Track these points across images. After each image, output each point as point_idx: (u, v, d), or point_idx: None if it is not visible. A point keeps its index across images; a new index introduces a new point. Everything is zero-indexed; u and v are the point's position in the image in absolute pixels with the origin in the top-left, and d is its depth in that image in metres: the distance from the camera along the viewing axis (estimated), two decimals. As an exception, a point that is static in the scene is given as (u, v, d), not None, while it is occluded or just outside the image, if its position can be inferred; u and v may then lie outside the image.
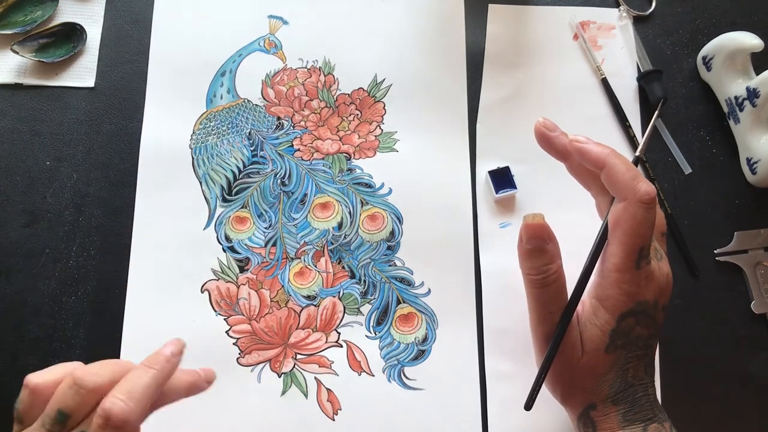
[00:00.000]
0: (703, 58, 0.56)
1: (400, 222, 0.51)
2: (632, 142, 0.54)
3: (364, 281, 0.50)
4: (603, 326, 0.39)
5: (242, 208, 0.51)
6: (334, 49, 0.55)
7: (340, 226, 0.51)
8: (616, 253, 0.39)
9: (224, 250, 0.50)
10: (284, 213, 0.51)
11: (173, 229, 0.50)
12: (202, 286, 0.49)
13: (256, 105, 0.53)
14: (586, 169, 0.41)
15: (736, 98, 0.53)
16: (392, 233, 0.51)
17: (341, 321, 0.49)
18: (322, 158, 0.52)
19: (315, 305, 0.49)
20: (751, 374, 0.50)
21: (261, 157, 0.52)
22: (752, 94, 0.51)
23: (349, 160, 0.53)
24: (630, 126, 0.54)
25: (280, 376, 0.47)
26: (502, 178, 0.52)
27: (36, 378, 0.36)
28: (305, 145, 0.53)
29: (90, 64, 0.53)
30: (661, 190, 0.53)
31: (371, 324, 0.49)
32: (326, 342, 0.48)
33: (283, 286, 0.49)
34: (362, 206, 0.51)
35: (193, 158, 0.52)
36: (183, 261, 0.49)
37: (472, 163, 0.53)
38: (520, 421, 0.47)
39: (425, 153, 0.53)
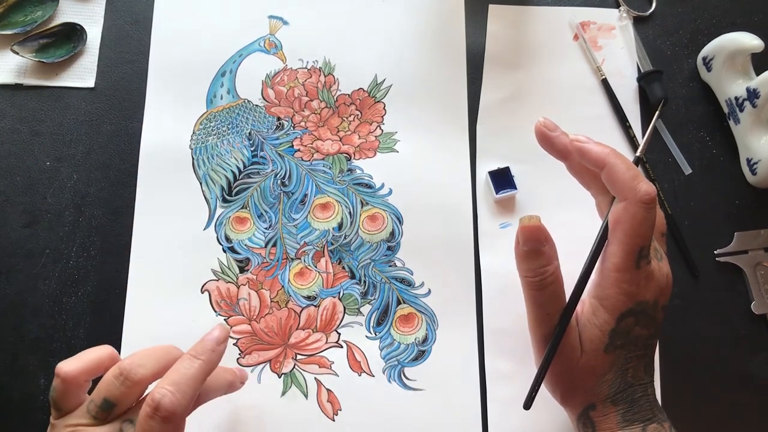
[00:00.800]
0: (704, 59, 0.56)
1: (400, 222, 0.51)
2: (632, 142, 0.54)
3: (364, 282, 0.50)
4: (602, 326, 0.39)
5: (242, 208, 0.51)
6: (334, 49, 0.55)
7: (340, 226, 0.51)
8: (616, 253, 0.39)
9: (224, 251, 0.50)
10: (284, 213, 0.51)
11: (173, 229, 0.50)
12: (203, 287, 0.49)
13: (257, 105, 0.53)
14: (587, 168, 0.41)
15: (737, 99, 0.53)
16: (392, 234, 0.51)
17: (341, 321, 0.49)
18: (323, 159, 0.52)
19: (315, 306, 0.49)
20: (751, 374, 0.50)
21: (261, 157, 0.52)
22: (752, 94, 0.51)
23: (350, 160, 0.53)
24: (630, 126, 0.54)
25: (280, 377, 0.47)
26: (502, 179, 0.52)
27: (67, 366, 0.37)
28: (305, 146, 0.53)
29: (90, 64, 0.53)
30: (661, 190, 0.53)
31: (371, 324, 0.49)
32: (326, 342, 0.48)
33: (283, 286, 0.49)
34: (362, 207, 0.52)
35: (193, 158, 0.52)
36: (183, 261, 0.49)
37: (472, 164, 0.53)
38: (520, 421, 0.47)
39: (425, 153, 0.53)
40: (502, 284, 0.50)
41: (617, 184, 0.39)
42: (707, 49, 0.55)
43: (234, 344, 0.48)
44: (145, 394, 0.38)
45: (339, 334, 0.49)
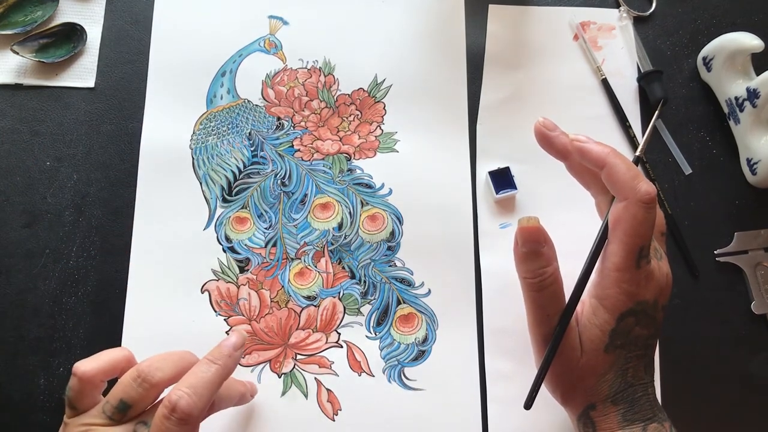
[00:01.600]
0: (704, 59, 0.56)
1: (400, 222, 0.51)
2: (632, 142, 0.54)
3: (364, 282, 0.50)
4: (602, 326, 0.39)
5: (242, 208, 0.51)
6: (334, 49, 0.55)
7: (340, 226, 0.51)
8: (616, 253, 0.39)
9: (224, 251, 0.50)
10: (284, 213, 0.51)
11: (173, 229, 0.50)
12: (202, 287, 0.49)
13: (257, 105, 0.53)
14: (586, 168, 0.41)
15: (737, 99, 0.53)
16: (392, 234, 0.51)
17: (341, 321, 0.49)
18: (323, 159, 0.52)
19: (315, 306, 0.49)
20: (751, 374, 0.50)
21: (261, 157, 0.52)
22: (752, 94, 0.51)
23: (350, 160, 0.53)
24: (630, 126, 0.54)
25: (280, 377, 0.47)
26: (502, 179, 0.52)
27: (84, 366, 0.37)
28: (305, 146, 0.53)
29: (90, 64, 0.53)
30: (661, 190, 0.53)
31: (371, 324, 0.49)
32: (326, 342, 0.48)
33: (283, 286, 0.49)
34: (362, 207, 0.52)
35: (193, 158, 0.52)
36: (183, 261, 0.49)
37: (472, 164, 0.53)
38: (520, 421, 0.47)
39: (425, 153, 0.53)
40: (502, 284, 0.50)
41: (617, 184, 0.39)
42: (707, 49, 0.55)
43: (234, 344, 0.48)
44: (159, 398, 0.38)
45: (339, 334, 0.49)
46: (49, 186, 0.50)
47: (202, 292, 0.49)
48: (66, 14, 0.54)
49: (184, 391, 0.35)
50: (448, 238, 0.51)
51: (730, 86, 0.53)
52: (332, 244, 0.51)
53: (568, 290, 0.41)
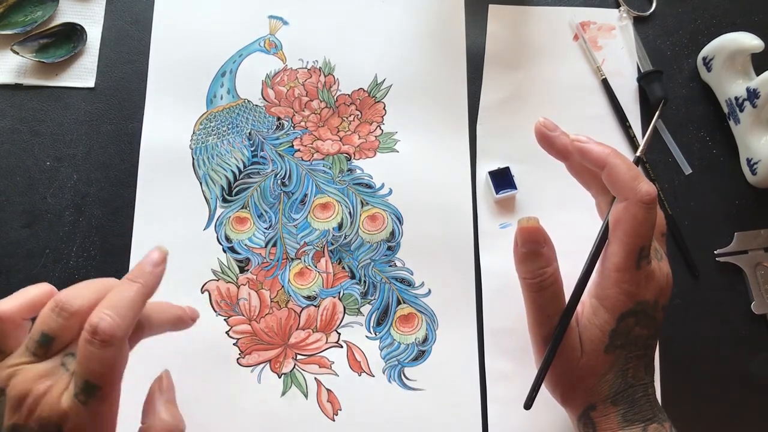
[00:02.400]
0: (704, 59, 0.56)
1: (400, 222, 0.51)
2: (632, 142, 0.54)
3: (364, 282, 0.50)
4: (603, 326, 0.39)
5: (242, 208, 0.51)
6: (334, 49, 0.55)
7: (340, 226, 0.51)
8: (616, 253, 0.39)
9: (224, 251, 0.50)
10: (284, 213, 0.51)
11: (173, 229, 0.50)
12: (203, 287, 0.49)
13: (257, 105, 0.53)
14: (587, 168, 0.41)
15: (737, 99, 0.53)
16: (392, 234, 0.51)
17: (341, 321, 0.49)
18: (323, 159, 0.52)
19: (315, 306, 0.49)
20: (751, 374, 0.50)
21: (261, 157, 0.52)
22: (752, 94, 0.51)
23: (350, 160, 0.53)
24: (630, 126, 0.54)
25: (280, 377, 0.47)
26: (502, 179, 0.52)
27: (3, 305, 0.35)
28: (305, 146, 0.53)
29: (90, 64, 0.53)
30: (662, 190, 0.53)
31: (371, 324, 0.49)
32: (326, 342, 0.48)
33: (283, 286, 0.49)
34: (362, 207, 0.52)
35: (193, 158, 0.52)
36: (183, 261, 0.49)
37: (472, 164, 0.53)
38: (520, 421, 0.47)
39: (425, 153, 0.53)
40: (502, 284, 0.50)
41: (618, 184, 0.39)
42: (707, 49, 0.55)
43: (234, 344, 0.48)
44: None
45: (339, 334, 0.49)
46: (49, 186, 0.50)
47: (202, 292, 0.49)
48: (66, 14, 0.54)
49: (104, 312, 0.33)
50: (448, 238, 0.51)
51: (730, 86, 0.53)
52: (332, 244, 0.51)
53: (568, 290, 0.41)
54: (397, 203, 0.52)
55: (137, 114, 0.52)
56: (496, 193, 0.51)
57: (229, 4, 0.56)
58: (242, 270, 0.49)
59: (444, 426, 0.47)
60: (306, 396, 0.47)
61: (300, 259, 0.50)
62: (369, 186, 0.52)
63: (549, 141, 0.42)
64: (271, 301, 0.49)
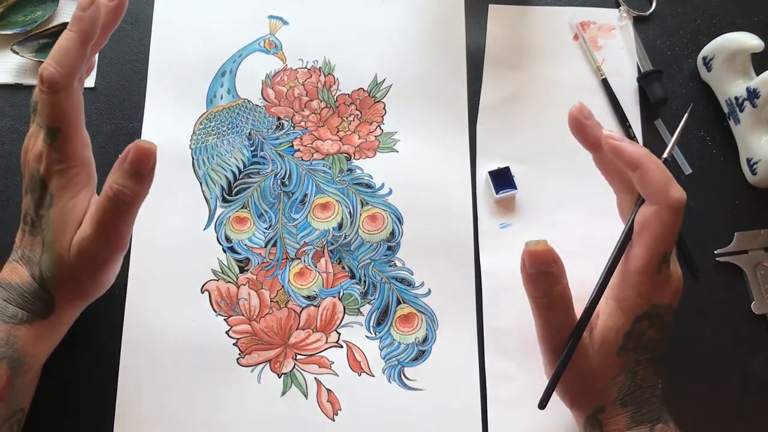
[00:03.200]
0: (704, 59, 0.56)
1: (400, 222, 0.51)
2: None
3: (364, 281, 0.50)
4: (618, 329, 0.39)
5: (242, 208, 0.51)
6: (334, 49, 0.55)
7: (340, 226, 0.51)
8: (640, 256, 0.38)
9: (224, 251, 0.50)
10: (284, 213, 0.51)
11: (173, 229, 0.50)
12: (202, 287, 0.49)
13: (257, 105, 0.53)
14: (615, 165, 0.40)
15: (737, 99, 0.53)
16: (392, 234, 0.51)
17: (341, 321, 0.49)
18: (323, 158, 0.52)
19: (315, 305, 0.49)
20: (751, 374, 0.50)
21: (261, 157, 0.52)
22: (752, 94, 0.51)
23: (350, 160, 0.53)
24: (630, 126, 0.54)
25: (280, 377, 0.47)
26: (503, 179, 0.52)
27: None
28: (305, 146, 0.53)
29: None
30: (661, 190, 0.53)
31: (371, 324, 0.49)
32: (326, 342, 0.48)
33: (283, 286, 0.49)
34: (362, 206, 0.52)
35: (193, 158, 0.52)
36: (183, 261, 0.49)
37: (472, 163, 0.53)
38: (520, 421, 0.47)
39: (425, 153, 0.53)
40: (502, 284, 0.50)
41: (650, 188, 0.38)
42: (707, 49, 0.55)
43: (234, 344, 0.48)
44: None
45: (339, 334, 0.49)
46: (49, 186, 0.50)
47: (202, 292, 0.49)
48: (66, 14, 0.54)
49: (47, 63, 0.39)
50: (448, 238, 0.51)
51: (730, 86, 0.54)
52: (332, 244, 0.51)
53: (573, 292, 0.41)
54: (397, 203, 0.52)
55: (137, 114, 0.52)
56: (496, 193, 0.51)
57: (229, 4, 0.56)
58: (242, 270, 0.49)
59: (444, 426, 0.47)
60: (306, 396, 0.47)
61: (300, 259, 0.50)
62: (369, 186, 0.52)
63: (583, 129, 0.40)
64: (271, 301, 0.49)
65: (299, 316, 0.49)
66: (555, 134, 0.53)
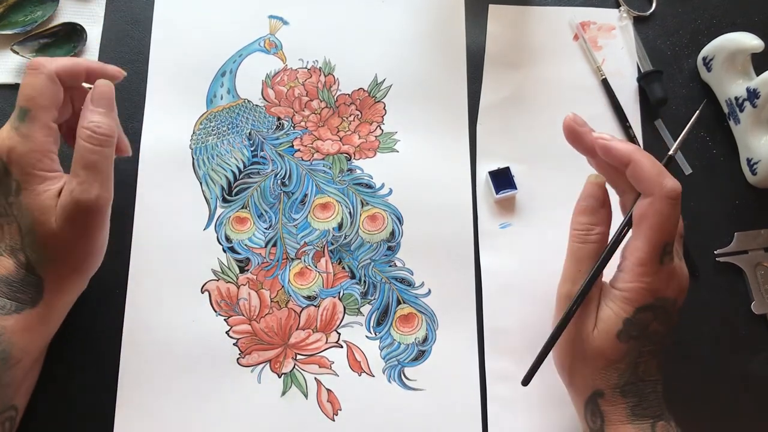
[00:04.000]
0: (704, 59, 0.56)
1: (400, 222, 0.51)
2: (632, 142, 0.54)
3: (365, 282, 0.50)
4: (618, 312, 0.39)
5: (242, 208, 0.51)
6: (334, 49, 0.55)
7: (340, 226, 0.51)
8: (640, 248, 0.39)
9: (224, 251, 0.50)
10: (284, 213, 0.51)
11: (173, 229, 0.50)
12: (203, 287, 0.49)
13: (257, 105, 0.53)
14: (612, 166, 0.41)
15: (737, 99, 0.53)
16: (392, 234, 0.51)
17: (341, 321, 0.49)
18: (323, 159, 0.52)
19: (315, 306, 0.49)
20: (751, 374, 0.50)
21: (261, 157, 0.52)
22: (752, 94, 0.51)
23: (350, 160, 0.53)
24: (630, 126, 0.54)
25: (280, 377, 0.47)
26: (503, 179, 0.52)
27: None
28: (305, 146, 0.53)
29: (90, 64, 0.53)
30: (661, 190, 0.53)
31: (371, 324, 0.49)
32: (326, 342, 0.48)
33: (283, 286, 0.49)
34: (362, 207, 0.52)
35: (193, 158, 0.52)
36: (183, 261, 0.49)
37: (472, 164, 0.53)
38: (520, 421, 0.47)
39: (425, 153, 0.53)
40: (502, 284, 0.50)
41: (643, 181, 0.39)
42: (707, 49, 0.55)
43: (234, 344, 0.48)
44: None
45: (339, 334, 0.49)
46: (49, 186, 0.50)
47: (202, 292, 0.49)
48: (66, 14, 0.54)
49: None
50: (448, 238, 0.51)
51: (730, 86, 0.54)
52: (332, 244, 0.51)
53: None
54: (397, 203, 0.52)
55: (137, 114, 0.52)
56: (496, 193, 0.51)
57: (229, 4, 0.56)
58: (242, 270, 0.49)
59: (444, 426, 0.47)
60: (306, 396, 0.47)
61: (300, 259, 0.50)
62: (369, 186, 0.52)
63: (578, 137, 0.42)
64: (271, 301, 0.49)
65: (299, 316, 0.49)
66: (555, 134, 0.53)
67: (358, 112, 0.54)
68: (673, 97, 0.56)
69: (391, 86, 0.55)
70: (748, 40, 0.52)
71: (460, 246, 0.51)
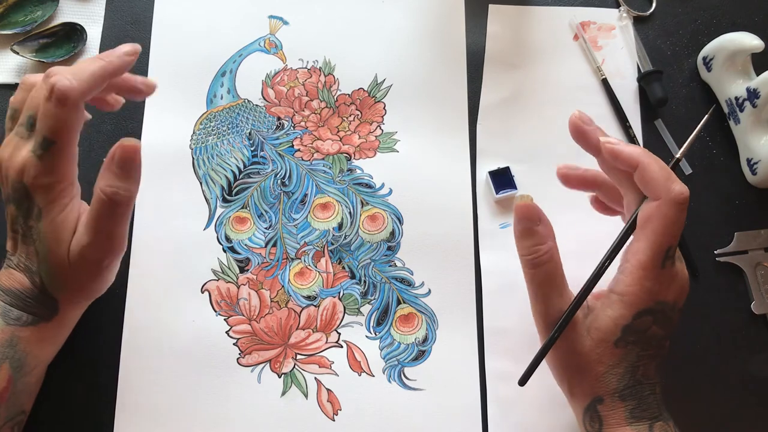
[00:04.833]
0: (704, 59, 0.56)
1: (400, 222, 0.51)
2: (632, 142, 0.54)
3: (365, 281, 0.50)
4: (617, 320, 0.39)
5: (242, 208, 0.51)
6: (334, 49, 0.55)
7: (340, 226, 0.51)
8: (642, 251, 0.38)
9: (224, 251, 0.50)
10: (284, 213, 0.51)
11: (173, 229, 0.50)
12: (203, 287, 0.49)
13: (257, 105, 0.53)
14: (618, 167, 0.41)
15: (737, 99, 0.53)
16: (392, 233, 0.51)
17: (341, 321, 0.49)
18: (323, 158, 0.52)
19: (315, 305, 0.49)
20: (751, 374, 0.50)
21: (261, 157, 0.52)
22: (752, 94, 0.51)
23: (350, 160, 0.53)
24: (630, 126, 0.54)
25: (280, 377, 0.47)
26: (503, 179, 0.52)
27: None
28: (305, 146, 0.53)
29: (90, 64, 0.53)
30: (661, 190, 0.53)
31: (371, 324, 0.49)
32: (326, 342, 0.48)
33: (283, 286, 0.49)
34: (362, 207, 0.52)
35: (193, 158, 0.52)
36: (183, 261, 0.49)
37: (472, 163, 0.53)
38: (521, 421, 0.47)
39: (425, 153, 0.53)
40: (502, 284, 0.50)
41: (651, 184, 0.38)
42: (707, 49, 0.55)
43: (234, 344, 0.48)
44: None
45: (339, 334, 0.49)
46: (49, 186, 0.50)
47: (202, 292, 0.49)
48: (66, 14, 0.54)
49: (63, 74, 0.37)
50: (448, 238, 0.51)
51: (730, 86, 0.54)
52: (332, 244, 0.51)
53: (575, 287, 0.41)
54: (397, 203, 0.52)
55: (137, 114, 0.52)
56: (496, 193, 0.51)
57: (229, 4, 0.56)
58: (242, 270, 0.49)
59: (444, 426, 0.47)
60: (306, 396, 0.47)
61: (300, 259, 0.50)
62: (369, 186, 0.52)
63: (584, 135, 0.41)
64: (271, 301, 0.49)
65: (299, 316, 0.49)
66: (555, 134, 0.53)
67: (358, 112, 0.54)
68: (673, 97, 0.56)
69: (391, 86, 0.55)
70: (748, 40, 0.52)
71: (460, 246, 0.51)
